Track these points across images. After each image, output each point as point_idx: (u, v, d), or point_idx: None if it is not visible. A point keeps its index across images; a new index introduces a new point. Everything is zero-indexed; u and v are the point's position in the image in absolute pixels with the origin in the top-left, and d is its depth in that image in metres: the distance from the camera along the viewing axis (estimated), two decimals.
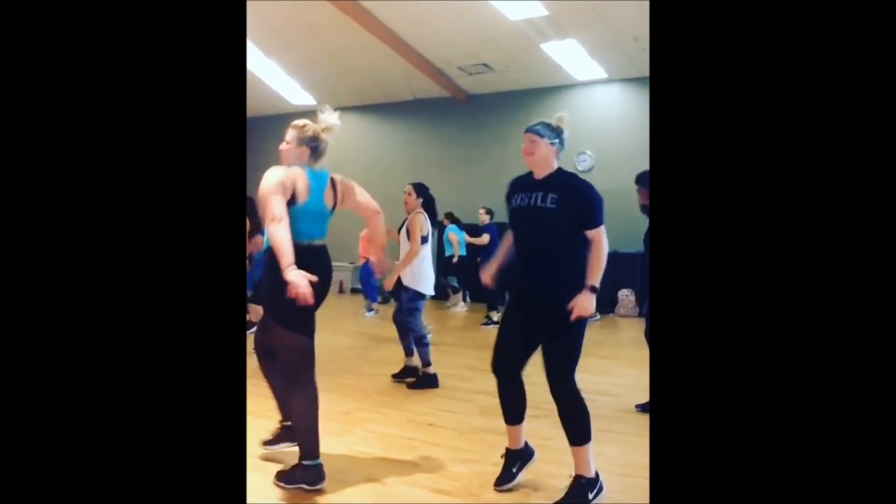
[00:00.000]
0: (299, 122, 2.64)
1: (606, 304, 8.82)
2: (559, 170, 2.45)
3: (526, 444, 2.57)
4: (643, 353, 5.60)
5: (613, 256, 8.62)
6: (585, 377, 4.75)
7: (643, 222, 3.87)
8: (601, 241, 2.32)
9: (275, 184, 2.38)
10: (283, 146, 2.59)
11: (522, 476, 2.54)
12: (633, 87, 9.72)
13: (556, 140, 2.42)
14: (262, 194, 2.40)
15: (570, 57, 9.19)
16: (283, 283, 2.25)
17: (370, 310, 8.41)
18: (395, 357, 4.45)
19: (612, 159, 9.65)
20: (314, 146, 2.62)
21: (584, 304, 2.25)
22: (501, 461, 2.76)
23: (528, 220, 2.41)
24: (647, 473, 2.42)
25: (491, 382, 4.17)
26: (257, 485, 2.46)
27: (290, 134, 2.59)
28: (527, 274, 2.39)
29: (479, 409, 3.65)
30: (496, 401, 3.81)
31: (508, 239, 2.62)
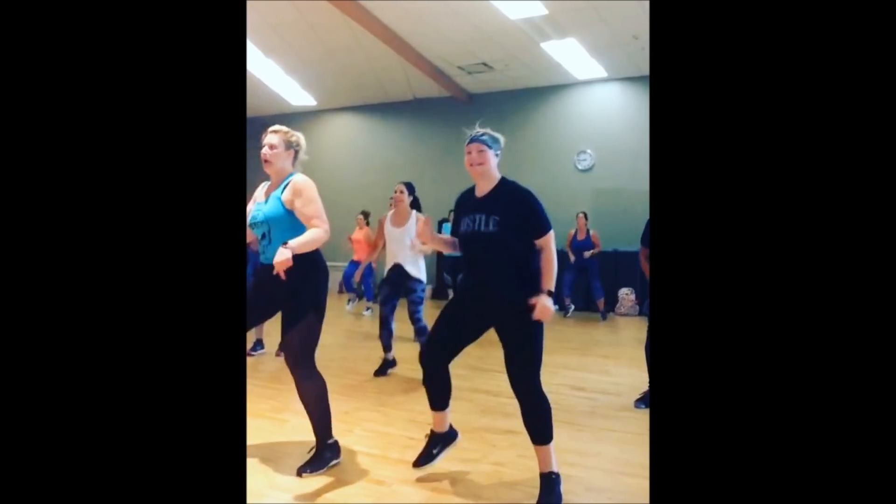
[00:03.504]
0: (279, 127, 2.66)
1: (607, 303, 8.79)
2: (502, 182, 2.40)
3: (450, 427, 2.63)
4: (643, 353, 5.61)
5: (613, 255, 8.76)
6: (585, 376, 4.80)
7: (643, 221, 3.87)
8: (550, 247, 2.32)
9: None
10: (269, 151, 2.58)
11: (444, 457, 2.61)
12: (633, 86, 9.72)
13: (499, 151, 2.41)
14: (315, 197, 2.55)
15: (570, 56, 9.18)
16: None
17: (367, 309, 8.44)
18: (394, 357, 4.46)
19: (613, 158, 9.62)
20: (297, 150, 2.65)
21: (545, 308, 2.22)
22: (502, 461, 2.77)
23: (474, 245, 2.37)
24: (647, 473, 2.43)
25: (491, 381, 4.21)
26: (257, 485, 2.46)
27: (275, 138, 2.61)
28: (483, 288, 2.38)
29: (479, 409, 3.65)
30: (497, 400, 3.87)
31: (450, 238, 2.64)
